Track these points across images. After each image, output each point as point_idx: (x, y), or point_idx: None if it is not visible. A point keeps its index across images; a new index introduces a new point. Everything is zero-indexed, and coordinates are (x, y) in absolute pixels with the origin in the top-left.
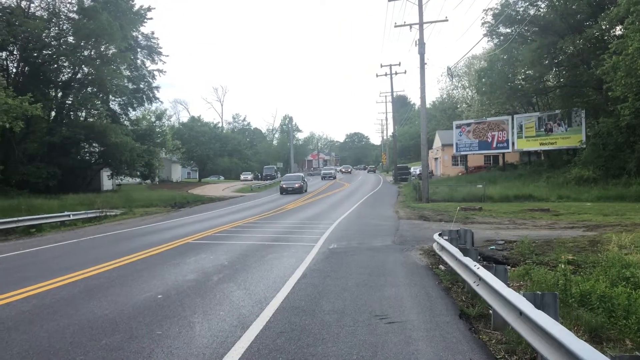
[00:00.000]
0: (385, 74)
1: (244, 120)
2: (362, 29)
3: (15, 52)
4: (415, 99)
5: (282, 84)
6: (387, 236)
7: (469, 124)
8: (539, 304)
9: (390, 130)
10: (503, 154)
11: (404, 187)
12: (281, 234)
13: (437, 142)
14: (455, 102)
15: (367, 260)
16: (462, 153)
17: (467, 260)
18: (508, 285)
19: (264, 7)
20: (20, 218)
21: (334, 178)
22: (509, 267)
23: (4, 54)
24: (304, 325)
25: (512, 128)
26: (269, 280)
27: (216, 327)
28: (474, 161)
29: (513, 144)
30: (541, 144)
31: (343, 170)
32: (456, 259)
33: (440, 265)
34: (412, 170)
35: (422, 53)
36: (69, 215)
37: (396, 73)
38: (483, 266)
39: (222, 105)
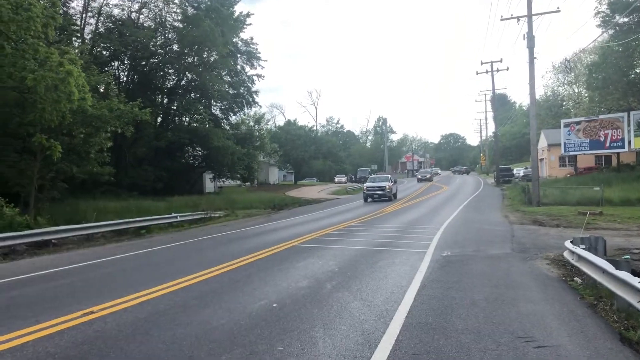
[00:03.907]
0: (486, 72)
1: (337, 122)
2: (459, 26)
3: (126, 62)
4: (515, 97)
5: (376, 85)
6: (503, 243)
7: (578, 122)
8: None
9: (490, 130)
10: (617, 153)
11: (507, 189)
12: (387, 238)
13: (543, 142)
14: (561, 99)
15: (488, 270)
16: (571, 153)
17: (624, 275)
18: None
19: (356, 9)
20: (131, 219)
21: (390, 199)
22: None
23: (116, 63)
24: (439, 347)
25: (629, 126)
26: (386, 290)
27: (340, 344)
28: (583, 162)
29: (629, 142)
30: None
31: (419, 176)
32: (604, 272)
33: (576, 278)
34: (515, 171)
35: (531, 47)
36: (176, 217)
37: (497, 70)
38: None
39: (316, 109)
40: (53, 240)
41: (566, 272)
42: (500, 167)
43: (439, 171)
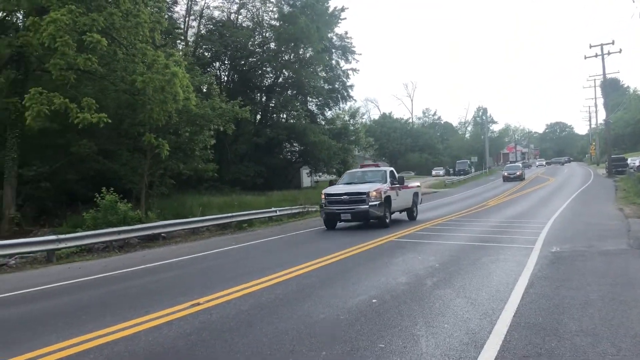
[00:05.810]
0: (596, 55)
1: (434, 114)
2: (563, 7)
3: (226, 62)
4: (629, 81)
5: (474, 74)
6: (618, 238)
7: None
8: None
9: (600, 118)
10: None
11: (621, 181)
12: (489, 233)
13: None
14: None
15: (603, 267)
16: None
17: None
18: None
19: None
20: (234, 214)
21: (381, 221)
22: None
23: (217, 64)
24: (551, 349)
25: None
26: (490, 287)
27: (444, 343)
28: None
29: None
30: None
31: (506, 173)
32: None
33: None
34: (629, 161)
35: None
36: (275, 211)
37: (609, 53)
38: None
39: (411, 101)
40: (162, 234)
41: None
42: (612, 156)
43: (543, 162)
